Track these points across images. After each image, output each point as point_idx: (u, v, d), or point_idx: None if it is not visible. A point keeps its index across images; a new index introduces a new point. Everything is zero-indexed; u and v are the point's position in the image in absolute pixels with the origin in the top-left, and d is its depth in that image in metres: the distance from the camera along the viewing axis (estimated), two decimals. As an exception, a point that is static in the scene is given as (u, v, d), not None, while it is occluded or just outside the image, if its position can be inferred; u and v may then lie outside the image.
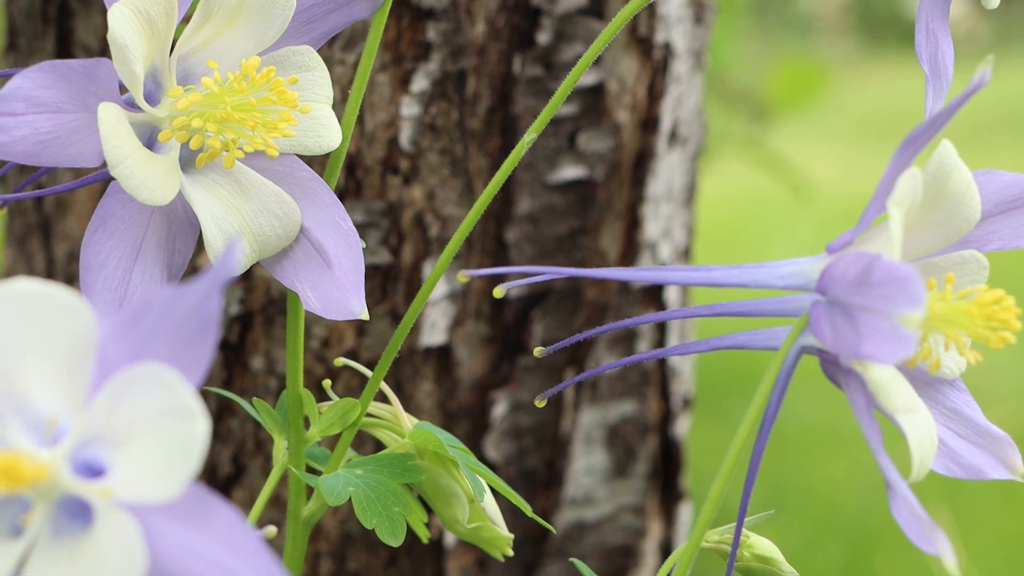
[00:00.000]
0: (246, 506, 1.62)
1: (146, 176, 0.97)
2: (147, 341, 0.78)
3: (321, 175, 1.06)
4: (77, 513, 0.79)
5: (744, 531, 1.10)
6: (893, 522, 0.94)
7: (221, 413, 1.61)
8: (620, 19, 1.07)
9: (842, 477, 3.56)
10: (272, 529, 0.90)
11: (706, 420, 3.25)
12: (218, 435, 1.61)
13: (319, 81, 1.06)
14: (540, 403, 1.09)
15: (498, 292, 1.03)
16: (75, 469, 0.79)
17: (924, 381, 1.02)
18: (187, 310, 0.77)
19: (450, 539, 1.64)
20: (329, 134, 1.05)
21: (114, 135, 0.96)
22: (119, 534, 0.76)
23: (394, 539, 1.06)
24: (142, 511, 0.77)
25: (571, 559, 1.15)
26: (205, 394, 1.59)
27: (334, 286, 1.05)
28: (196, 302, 0.77)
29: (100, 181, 1.06)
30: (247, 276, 1.59)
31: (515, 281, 1.10)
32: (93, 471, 0.79)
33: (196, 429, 0.75)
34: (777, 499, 3.41)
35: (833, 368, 0.97)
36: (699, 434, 2.86)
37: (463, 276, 1.04)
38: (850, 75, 8.13)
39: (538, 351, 1.07)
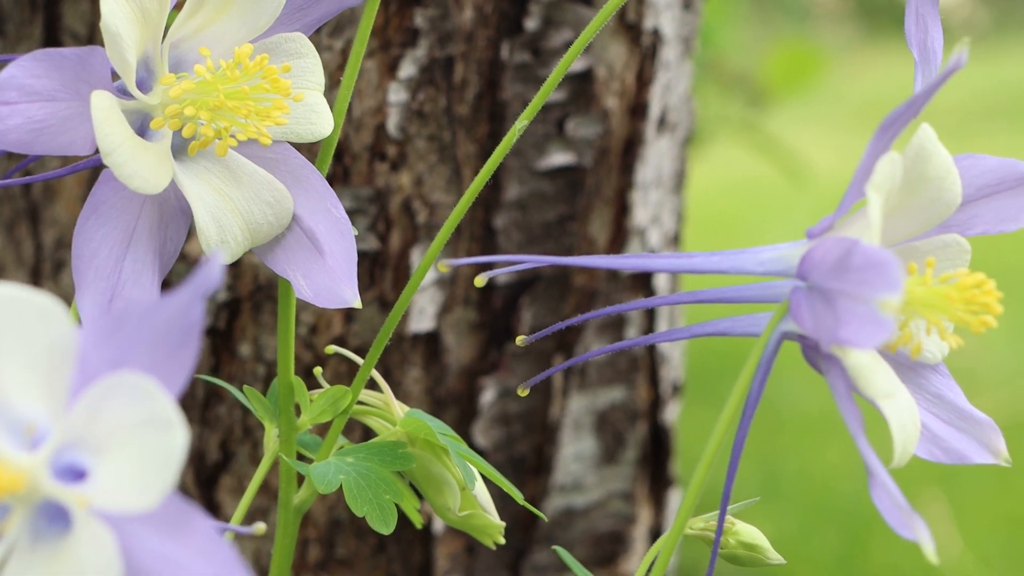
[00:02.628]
0: (235, 493, 1.62)
1: (139, 164, 0.97)
2: (128, 349, 0.78)
3: (311, 162, 1.06)
4: (57, 518, 0.79)
5: (729, 518, 1.10)
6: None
7: (209, 400, 1.61)
8: (611, 6, 1.07)
9: (836, 462, 3.57)
10: (261, 526, 0.90)
11: (700, 406, 3.26)
12: (206, 422, 1.61)
13: (311, 68, 1.06)
14: (523, 392, 1.09)
15: (479, 281, 1.03)
16: (56, 473, 0.78)
17: (907, 366, 1.02)
18: (169, 319, 0.77)
19: (439, 525, 1.65)
20: (321, 121, 1.05)
21: (107, 123, 0.96)
22: (95, 542, 0.76)
23: (385, 527, 1.06)
24: (120, 519, 0.77)
25: (554, 547, 1.15)
26: (193, 381, 1.59)
27: (327, 274, 1.05)
28: (178, 311, 0.77)
29: (88, 168, 1.06)
30: (235, 263, 1.59)
31: (499, 269, 1.10)
32: (75, 474, 0.79)
33: (175, 440, 0.75)
34: (771, 485, 3.42)
35: (814, 354, 0.97)
36: (693, 420, 2.86)
37: (443, 266, 1.04)
38: (849, 62, 8.12)
39: (520, 340, 1.07)
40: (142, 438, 0.76)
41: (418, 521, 1.14)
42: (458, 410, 1.65)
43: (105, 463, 0.77)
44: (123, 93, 1.00)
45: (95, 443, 0.77)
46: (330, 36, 1.56)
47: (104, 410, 0.77)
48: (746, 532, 1.11)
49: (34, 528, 0.79)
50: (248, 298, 1.59)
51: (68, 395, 0.79)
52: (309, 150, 1.09)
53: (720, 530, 1.06)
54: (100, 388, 0.77)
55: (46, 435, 0.79)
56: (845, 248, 0.92)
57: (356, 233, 1.05)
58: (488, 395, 1.66)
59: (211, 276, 0.76)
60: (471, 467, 1.12)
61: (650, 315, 1.77)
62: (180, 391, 0.77)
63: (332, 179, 1.58)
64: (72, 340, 0.78)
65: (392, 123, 1.58)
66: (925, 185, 0.97)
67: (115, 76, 1.00)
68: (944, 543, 3.17)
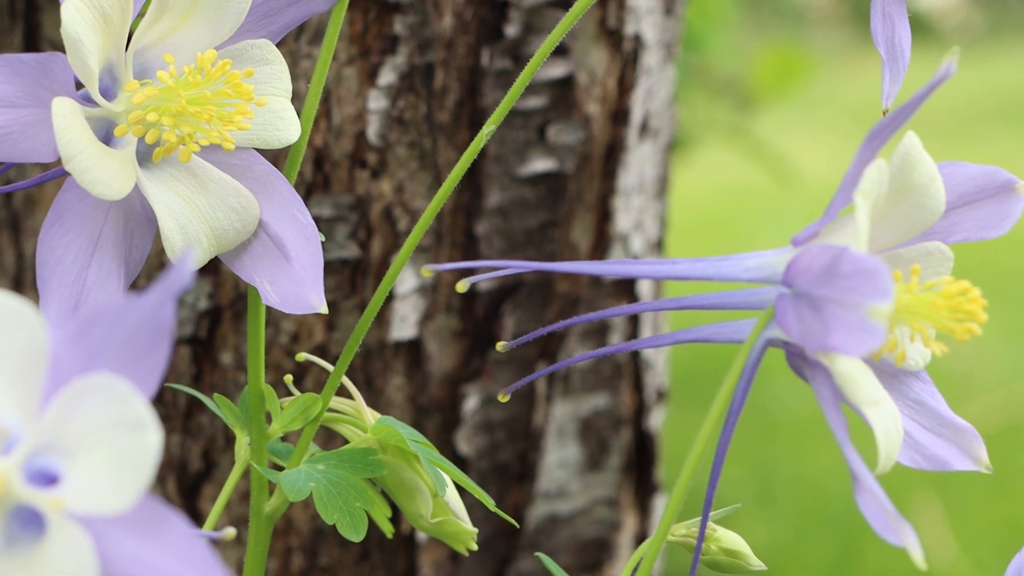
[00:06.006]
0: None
1: (101, 171, 0.97)
2: (100, 350, 0.78)
3: (283, 169, 1.06)
4: (30, 522, 0.79)
5: (711, 524, 1.10)
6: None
7: (191, 409, 1.61)
8: (580, 6, 1.07)
9: (831, 467, 3.56)
10: (231, 531, 0.89)
11: (690, 410, 3.25)
12: (188, 431, 1.61)
13: (277, 74, 1.06)
14: (503, 397, 1.09)
15: (461, 287, 1.03)
16: (29, 478, 0.78)
17: (889, 373, 1.02)
18: (140, 319, 0.77)
19: (423, 534, 1.64)
20: (288, 127, 1.05)
21: (68, 130, 0.96)
22: (70, 545, 0.76)
23: (355, 534, 1.06)
24: (95, 522, 0.77)
25: (537, 554, 1.15)
26: (174, 391, 1.59)
27: (293, 280, 1.05)
28: (149, 311, 0.77)
29: (66, 174, 1.06)
30: (216, 271, 1.58)
31: (479, 276, 1.10)
32: (47, 479, 0.78)
33: (148, 441, 0.75)
34: (766, 489, 3.42)
35: (799, 361, 0.97)
36: (684, 424, 2.86)
37: (427, 271, 1.04)
38: (843, 66, 8.13)
39: (501, 345, 1.07)
40: (115, 440, 0.76)
41: (388, 529, 1.14)
42: (441, 418, 1.65)
43: (78, 465, 0.77)
44: (88, 101, 1.00)
45: (68, 446, 0.77)
46: (310, 44, 1.56)
47: (76, 412, 0.77)
48: (728, 538, 1.11)
49: (8, 533, 0.79)
50: (229, 307, 1.59)
51: (41, 398, 0.78)
52: (285, 158, 1.08)
53: (702, 536, 1.06)
54: (72, 391, 0.77)
55: (18, 439, 0.78)
56: (833, 255, 0.92)
57: (323, 239, 1.05)
58: (471, 402, 1.65)
59: (182, 276, 0.76)
60: (441, 473, 1.12)
61: (634, 322, 1.77)
62: (153, 392, 0.77)
63: (312, 187, 1.58)
64: (44, 343, 0.78)
65: (372, 130, 1.58)
66: (910, 193, 0.97)
67: (80, 84, 1.00)
68: (938, 547, 3.17)
